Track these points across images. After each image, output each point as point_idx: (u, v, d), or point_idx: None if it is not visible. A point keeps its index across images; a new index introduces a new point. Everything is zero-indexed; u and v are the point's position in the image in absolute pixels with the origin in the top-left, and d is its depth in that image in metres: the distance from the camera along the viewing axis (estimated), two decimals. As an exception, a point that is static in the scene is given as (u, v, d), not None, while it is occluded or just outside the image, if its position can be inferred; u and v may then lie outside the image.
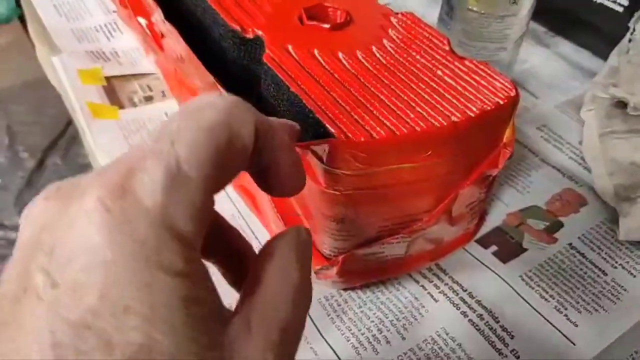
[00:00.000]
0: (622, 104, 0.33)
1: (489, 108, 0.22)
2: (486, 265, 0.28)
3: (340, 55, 0.25)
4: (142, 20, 0.37)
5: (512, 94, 0.23)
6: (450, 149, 0.22)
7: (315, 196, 0.23)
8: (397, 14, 0.28)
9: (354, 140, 0.21)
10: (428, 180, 0.23)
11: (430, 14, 0.46)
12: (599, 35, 0.41)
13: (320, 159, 0.21)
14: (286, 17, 0.27)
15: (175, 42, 0.30)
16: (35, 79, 0.64)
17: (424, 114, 0.22)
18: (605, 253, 0.28)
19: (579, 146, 0.35)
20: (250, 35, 0.26)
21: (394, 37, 0.26)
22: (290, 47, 0.25)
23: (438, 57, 0.25)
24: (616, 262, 0.28)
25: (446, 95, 0.23)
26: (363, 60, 0.25)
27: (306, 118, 0.22)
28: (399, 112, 0.22)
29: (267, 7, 0.28)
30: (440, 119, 0.22)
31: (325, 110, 0.22)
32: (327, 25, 0.26)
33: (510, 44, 0.33)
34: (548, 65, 0.41)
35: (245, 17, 0.27)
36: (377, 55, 0.25)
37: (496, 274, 0.27)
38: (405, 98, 0.23)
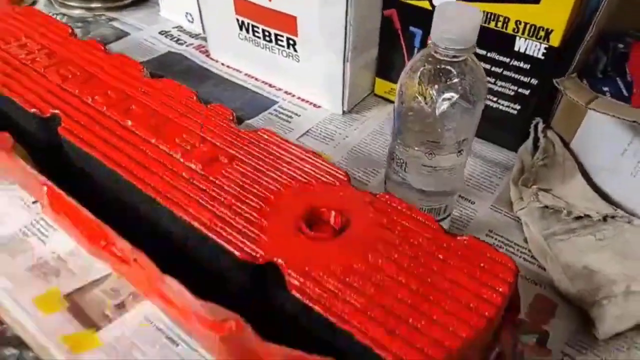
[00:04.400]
0: (552, 208, 0.39)
1: (506, 292, 0.25)
2: (509, 399, 0.31)
3: (356, 266, 0.26)
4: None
5: (513, 267, 0.27)
6: (486, 334, 0.25)
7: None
8: (376, 195, 0.31)
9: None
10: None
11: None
12: (501, 131, 0.48)
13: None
14: (285, 230, 0.28)
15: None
16: None
17: (464, 318, 0.24)
18: (590, 351, 0.33)
19: (526, 244, 0.40)
20: (260, 262, 0.27)
21: (391, 229, 0.28)
22: (308, 269, 0.26)
23: (435, 238, 0.28)
24: (602, 357, 0.33)
25: (468, 288, 0.25)
26: (378, 268, 0.26)
27: (358, 348, 0.24)
28: (440, 322, 0.24)
29: (263, 221, 0.29)
30: (476, 320, 0.24)
31: (376, 341, 0.23)
32: (327, 233, 0.28)
33: (458, 179, 0.37)
34: (469, 167, 0.47)
35: (249, 241, 0.28)
36: (389, 256, 0.27)
37: (520, 404, 0.31)
38: (434, 300, 0.25)
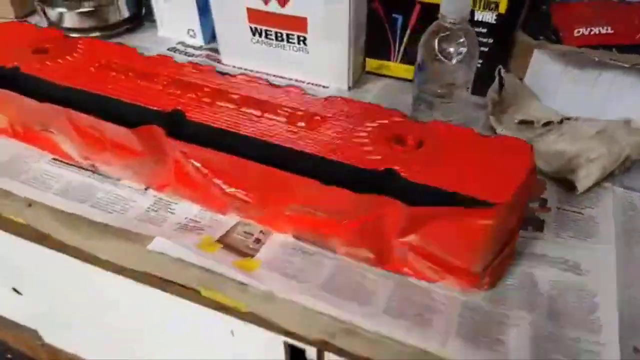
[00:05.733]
0: (525, 122, 0.57)
1: (533, 158, 0.42)
2: (538, 238, 0.48)
3: (435, 160, 0.41)
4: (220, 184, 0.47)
5: (529, 147, 0.43)
6: (528, 186, 0.41)
7: (476, 243, 0.40)
8: (428, 122, 0.46)
9: (505, 203, 0.38)
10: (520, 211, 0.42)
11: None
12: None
13: (486, 218, 0.38)
14: (387, 149, 0.43)
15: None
16: None
17: (516, 172, 0.40)
18: (576, 202, 0.51)
19: (510, 152, 0.58)
20: (381, 169, 0.41)
21: (447, 139, 0.44)
22: (411, 167, 0.41)
23: (479, 140, 0.44)
24: (584, 205, 0.51)
25: (511, 159, 0.42)
26: (450, 158, 0.42)
27: (456, 199, 0.39)
28: (505, 175, 0.40)
29: (370, 146, 0.43)
30: (522, 172, 0.40)
31: (470, 191, 0.39)
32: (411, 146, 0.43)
33: (465, 109, 0.54)
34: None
35: (370, 158, 0.42)
36: (453, 151, 0.42)
37: (544, 239, 0.47)
38: (494, 167, 0.41)
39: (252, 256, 0.46)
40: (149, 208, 0.50)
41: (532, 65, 0.60)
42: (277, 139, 0.44)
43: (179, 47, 0.77)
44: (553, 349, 0.39)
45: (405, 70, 0.69)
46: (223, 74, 0.54)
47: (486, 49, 0.63)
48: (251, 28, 0.67)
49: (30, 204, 0.51)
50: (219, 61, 0.74)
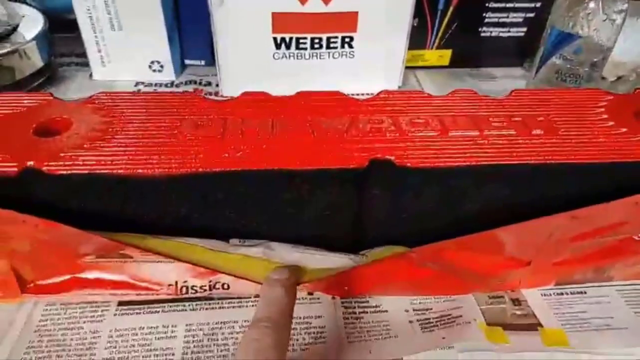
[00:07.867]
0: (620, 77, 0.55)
1: None
2: None
3: None
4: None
5: None
6: None
7: None
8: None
9: None
10: None
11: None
12: (509, 54, 0.61)
13: None
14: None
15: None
16: None
17: None
18: None
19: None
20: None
21: None
22: None
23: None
24: None
25: None
26: None
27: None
28: None
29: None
30: None
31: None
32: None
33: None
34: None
35: None
36: None
37: None
38: None
39: (541, 325, 0.33)
40: (349, 320, 0.33)
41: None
42: (518, 158, 0.32)
43: (142, 88, 0.55)
44: None
45: (440, 57, 0.61)
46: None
47: (532, 15, 0.58)
48: (275, 40, 0.51)
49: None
50: (214, 94, 0.55)
